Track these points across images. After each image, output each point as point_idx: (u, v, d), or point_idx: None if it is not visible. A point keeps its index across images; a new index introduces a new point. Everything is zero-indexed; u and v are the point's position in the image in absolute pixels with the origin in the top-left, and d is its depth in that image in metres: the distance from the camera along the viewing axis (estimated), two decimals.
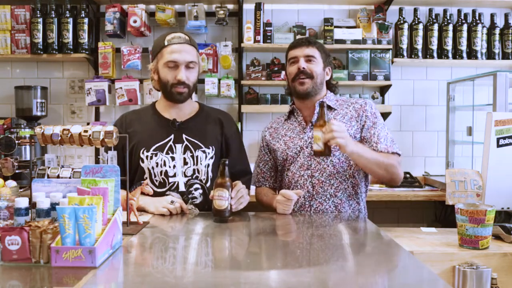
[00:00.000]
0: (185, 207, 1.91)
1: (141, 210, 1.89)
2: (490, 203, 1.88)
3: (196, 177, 1.99)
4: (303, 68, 2.01)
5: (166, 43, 1.97)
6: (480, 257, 1.72)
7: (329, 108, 2.07)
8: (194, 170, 1.99)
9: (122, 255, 1.34)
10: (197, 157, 1.99)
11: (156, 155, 1.97)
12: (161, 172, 1.96)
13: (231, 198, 1.75)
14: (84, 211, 1.20)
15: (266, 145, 2.19)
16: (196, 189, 1.99)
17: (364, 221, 1.88)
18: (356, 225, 1.82)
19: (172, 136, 2.00)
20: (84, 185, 1.43)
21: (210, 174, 2.00)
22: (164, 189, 1.97)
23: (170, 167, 1.97)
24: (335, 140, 1.77)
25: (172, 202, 1.89)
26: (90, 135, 1.57)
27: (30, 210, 1.40)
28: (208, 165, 2.00)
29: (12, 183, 1.66)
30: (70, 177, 1.56)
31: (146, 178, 1.97)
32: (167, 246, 1.50)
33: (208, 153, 2.01)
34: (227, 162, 1.75)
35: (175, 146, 1.99)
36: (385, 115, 3.38)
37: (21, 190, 1.73)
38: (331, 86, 2.16)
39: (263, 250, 1.48)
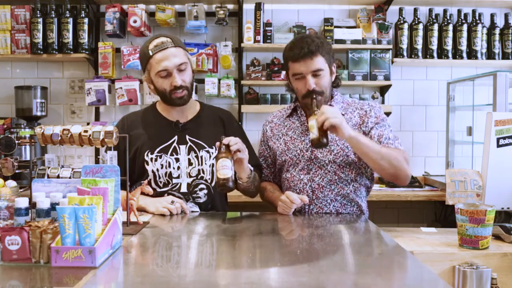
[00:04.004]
0: (186, 207, 1.91)
1: (141, 210, 1.89)
2: (490, 203, 1.88)
3: (201, 177, 1.99)
4: (314, 88, 1.90)
5: (151, 53, 1.93)
6: (480, 257, 1.72)
7: None
8: (199, 170, 1.99)
9: (122, 255, 1.35)
10: (201, 157, 1.99)
11: (160, 157, 1.97)
12: (165, 173, 1.97)
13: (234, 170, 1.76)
14: (84, 211, 1.20)
15: (266, 140, 2.15)
16: (201, 189, 1.98)
17: (364, 221, 1.87)
18: (356, 225, 1.82)
19: (175, 138, 2.00)
20: (84, 185, 1.42)
21: (215, 173, 1.98)
22: (167, 188, 1.97)
23: (174, 168, 1.97)
24: (328, 121, 1.71)
25: (172, 202, 1.88)
26: (90, 135, 1.57)
27: (30, 210, 1.40)
28: (212, 164, 2.00)
29: (12, 183, 1.66)
30: (70, 177, 1.56)
31: (150, 179, 1.96)
32: (167, 246, 1.50)
33: (212, 152, 2.00)
34: (224, 138, 1.78)
35: (179, 147, 1.99)
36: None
37: (21, 190, 1.73)
38: (334, 81, 2.04)
39: (263, 250, 1.48)
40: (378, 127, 1.96)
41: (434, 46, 3.43)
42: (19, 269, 1.19)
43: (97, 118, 3.55)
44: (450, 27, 3.43)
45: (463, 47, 3.43)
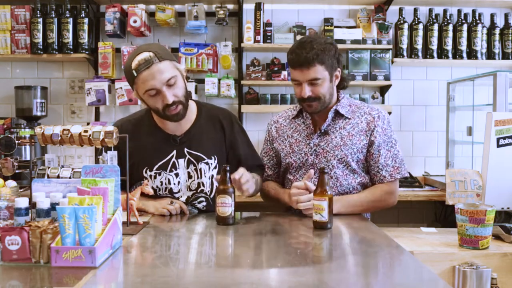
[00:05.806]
0: (185, 207, 1.91)
1: (141, 210, 1.88)
2: (490, 203, 1.88)
3: (201, 191, 1.96)
4: (308, 95, 1.91)
5: (135, 74, 1.77)
6: (480, 257, 1.72)
7: (341, 116, 2.01)
8: (198, 183, 1.95)
9: (122, 255, 1.35)
10: (200, 169, 1.94)
11: (159, 174, 1.92)
12: (165, 189, 1.94)
13: (234, 203, 1.73)
14: (84, 211, 1.20)
15: (271, 140, 2.15)
16: (200, 202, 1.97)
17: (364, 221, 1.88)
18: (356, 225, 1.82)
19: (174, 152, 1.93)
20: (84, 185, 1.43)
21: (215, 184, 1.95)
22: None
23: (174, 184, 1.94)
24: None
25: (171, 202, 1.89)
26: (90, 135, 1.57)
27: (30, 210, 1.40)
28: (212, 176, 1.95)
29: (12, 183, 1.66)
30: (70, 177, 1.56)
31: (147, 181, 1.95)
32: (167, 246, 1.50)
33: (211, 163, 1.96)
34: (228, 168, 1.72)
35: (178, 162, 1.94)
36: None
37: (21, 190, 1.72)
38: (340, 84, 2.05)
39: (263, 249, 1.48)
40: (385, 146, 1.99)
41: (434, 46, 3.43)
42: (19, 269, 1.19)
43: (97, 118, 3.55)
44: (450, 27, 3.43)
45: (463, 47, 3.43)
